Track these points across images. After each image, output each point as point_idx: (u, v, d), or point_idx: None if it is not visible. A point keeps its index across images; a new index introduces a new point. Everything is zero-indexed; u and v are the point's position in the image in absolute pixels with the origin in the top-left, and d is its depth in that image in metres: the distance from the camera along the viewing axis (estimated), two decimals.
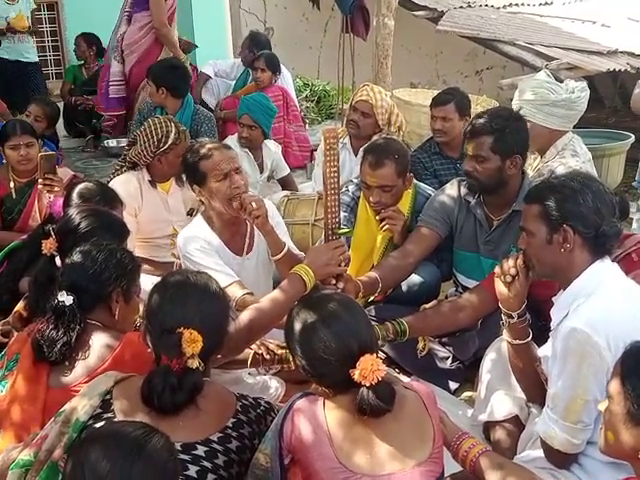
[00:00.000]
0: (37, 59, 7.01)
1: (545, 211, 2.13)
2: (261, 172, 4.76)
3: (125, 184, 3.63)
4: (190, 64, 6.70)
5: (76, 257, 2.23)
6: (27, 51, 6.82)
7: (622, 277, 2.15)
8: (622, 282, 2.13)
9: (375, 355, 1.80)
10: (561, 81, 3.75)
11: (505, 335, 2.38)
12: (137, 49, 5.92)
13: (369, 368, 1.75)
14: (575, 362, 1.99)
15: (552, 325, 2.21)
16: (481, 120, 3.00)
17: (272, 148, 4.81)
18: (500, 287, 2.34)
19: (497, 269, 2.34)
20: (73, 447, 1.58)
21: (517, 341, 2.35)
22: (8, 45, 6.77)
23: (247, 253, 3.04)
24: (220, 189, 2.84)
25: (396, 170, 3.26)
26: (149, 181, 3.71)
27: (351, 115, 4.38)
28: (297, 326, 1.89)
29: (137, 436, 1.48)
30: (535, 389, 2.40)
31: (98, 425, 1.77)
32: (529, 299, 2.39)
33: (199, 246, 2.87)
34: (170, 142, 3.61)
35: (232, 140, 4.67)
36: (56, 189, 3.36)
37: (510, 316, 2.33)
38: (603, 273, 2.11)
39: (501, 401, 2.53)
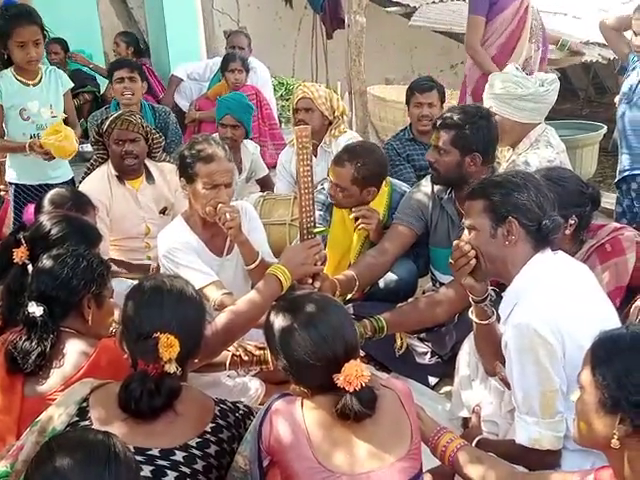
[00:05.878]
0: (71, 175, 4.06)
1: (490, 205, 2.15)
2: (240, 173, 4.72)
3: (95, 180, 3.68)
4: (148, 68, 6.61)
5: (43, 266, 2.20)
6: (54, 168, 3.89)
7: (563, 265, 2.17)
8: (561, 271, 2.14)
9: (359, 359, 1.81)
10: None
11: (471, 314, 2.38)
12: None
13: (354, 374, 1.75)
14: (532, 358, 2.00)
15: (501, 322, 2.22)
16: (448, 114, 3.05)
17: (250, 149, 4.74)
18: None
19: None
20: (36, 465, 1.45)
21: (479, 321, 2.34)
22: (25, 160, 3.82)
23: (227, 254, 3.03)
24: (204, 196, 2.83)
25: (352, 176, 3.23)
26: (116, 177, 3.71)
27: (296, 117, 4.33)
28: (280, 328, 1.87)
29: (105, 444, 1.45)
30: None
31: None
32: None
33: (179, 246, 2.86)
34: (107, 125, 3.68)
35: None
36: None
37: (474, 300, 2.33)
38: (541, 267, 2.12)
39: (477, 395, 2.54)
